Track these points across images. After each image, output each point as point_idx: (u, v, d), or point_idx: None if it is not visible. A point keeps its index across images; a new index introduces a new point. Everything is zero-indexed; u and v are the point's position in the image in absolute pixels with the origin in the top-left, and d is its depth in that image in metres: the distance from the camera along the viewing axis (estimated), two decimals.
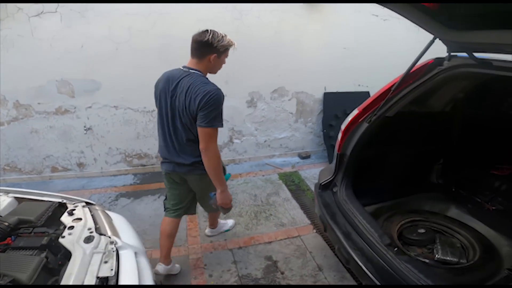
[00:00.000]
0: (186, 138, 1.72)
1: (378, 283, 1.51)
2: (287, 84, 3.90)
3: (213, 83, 1.64)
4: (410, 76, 1.87)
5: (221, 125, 1.65)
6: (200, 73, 1.66)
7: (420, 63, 1.83)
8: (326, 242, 2.55)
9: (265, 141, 4.14)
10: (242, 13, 3.42)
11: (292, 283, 2.20)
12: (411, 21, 1.55)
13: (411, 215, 2.24)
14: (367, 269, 1.59)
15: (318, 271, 2.30)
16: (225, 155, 4.01)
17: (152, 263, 1.73)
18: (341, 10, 3.70)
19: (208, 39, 1.59)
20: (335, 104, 4.00)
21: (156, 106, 1.80)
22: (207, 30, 1.61)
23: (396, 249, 1.63)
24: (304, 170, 3.88)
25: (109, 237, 1.28)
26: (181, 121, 1.68)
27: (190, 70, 1.66)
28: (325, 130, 4.05)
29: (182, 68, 1.70)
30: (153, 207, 3.07)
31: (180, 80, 1.64)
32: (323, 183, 2.19)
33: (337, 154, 2.12)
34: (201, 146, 1.63)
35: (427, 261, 1.90)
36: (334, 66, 3.90)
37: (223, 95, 1.65)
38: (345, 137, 2.07)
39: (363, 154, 2.10)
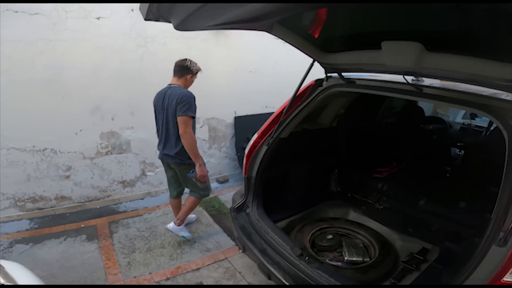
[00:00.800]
0: (173, 132, 2.44)
1: None
2: (198, 111, 3.92)
3: (187, 90, 2.44)
4: (297, 98, 2.13)
5: (194, 116, 2.38)
6: (179, 86, 2.48)
7: (305, 85, 2.12)
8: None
9: None
10: (147, 40, 3.35)
11: None
12: (293, 46, 1.77)
13: (319, 224, 2.44)
14: (285, 280, 1.68)
15: None
16: (139, 189, 3.73)
17: None
18: (246, 34, 3.81)
19: (187, 64, 2.48)
20: (246, 127, 4.11)
21: (155, 117, 2.63)
22: (186, 59, 2.49)
23: (307, 258, 1.76)
24: (223, 194, 3.89)
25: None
26: (170, 119, 2.41)
27: (172, 85, 2.49)
28: (239, 154, 4.16)
29: (168, 85, 2.51)
30: (60, 250, 2.71)
31: (166, 92, 2.45)
32: (236, 206, 2.26)
33: (244, 177, 2.23)
34: (180, 131, 2.35)
35: (339, 264, 2.07)
36: (242, 89, 4.08)
37: (194, 96, 2.41)
38: (249, 161, 2.21)
39: (267, 174, 2.26)
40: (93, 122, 3.24)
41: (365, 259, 2.07)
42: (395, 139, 3.11)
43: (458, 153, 3.21)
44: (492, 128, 3.05)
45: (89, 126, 3.22)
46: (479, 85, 1.45)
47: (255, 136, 2.22)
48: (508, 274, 1.08)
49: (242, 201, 2.27)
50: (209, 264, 2.61)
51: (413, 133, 3.19)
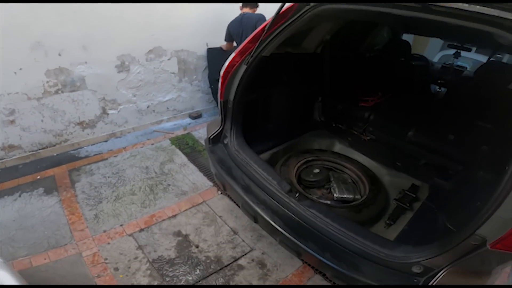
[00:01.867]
0: None
1: (290, 236, 1.46)
2: (164, 43, 3.40)
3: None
4: (281, 16, 1.75)
5: None
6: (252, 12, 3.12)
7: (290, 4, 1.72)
8: (234, 202, 2.42)
9: (148, 107, 3.60)
10: None
11: (209, 255, 2.04)
12: None
13: (304, 156, 2.28)
14: (275, 223, 1.51)
15: (233, 235, 2.19)
16: (101, 130, 3.34)
17: (34, 271, 1.78)
18: None
19: None
20: (219, 59, 3.63)
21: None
22: None
23: (297, 195, 1.59)
24: (197, 131, 3.61)
25: None
26: None
27: (246, 13, 3.13)
28: (212, 86, 3.79)
29: (241, 13, 3.16)
30: (15, 208, 2.37)
31: (242, 18, 3.10)
32: (212, 137, 1.99)
33: (221, 102, 1.91)
34: None
35: (328, 202, 1.96)
36: (214, 20, 3.56)
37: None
38: (226, 83, 1.86)
39: (247, 98, 1.96)
40: (35, 59, 2.71)
41: (356, 197, 1.98)
42: (381, 70, 2.85)
43: (438, 90, 3.07)
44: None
45: (30, 63, 2.69)
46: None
47: (233, 55, 1.85)
48: None
49: (219, 130, 1.99)
50: (186, 210, 2.43)
51: (400, 66, 2.94)
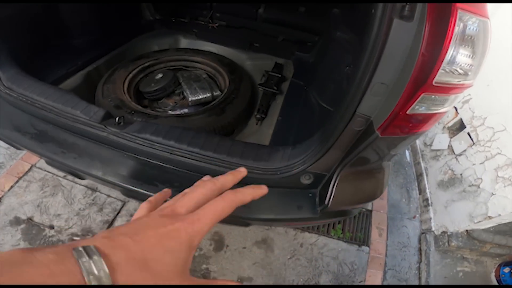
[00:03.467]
0: None
1: (137, 189, 0.97)
2: None
3: None
4: None
5: None
6: None
7: None
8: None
9: None
10: None
11: (74, 230, 1.58)
12: None
13: (138, 63, 1.60)
14: (104, 176, 0.99)
15: (93, 193, 1.71)
16: None
17: None
18: None
19: None
20: None
21: None
22: None
23: (118, 118, 0.99)
24: None
25: None
26: None
27: None
28: None
29: None
30: None
31: None
32: None
33: None
34: None
35: (185, 111, 1.45)
36: None
37: None
38: None
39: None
40: None
41: (215, 93, 1.51)
42: None
43: None
44: None
45: None
46: None
47: None
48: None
49: None
50: (12, 187, 1.70)
51: None
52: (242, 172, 0.44)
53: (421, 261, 1.70)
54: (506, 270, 1.60)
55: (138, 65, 1.59)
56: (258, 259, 1.59)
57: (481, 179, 1.58)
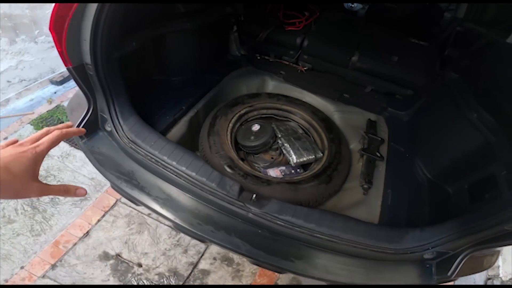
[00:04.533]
0: None
1: (273, 263, 1.03)
2: None
3: None
4: None
5: None
6: None
7: None
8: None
9: None
10: None
11: (161, 270, 1.63)
12: None
13: (235, 109, 1.64)
14: (239, 250, 1.03)
15: (178, 235, 1.74)
16: None
17: None
18: None
19: None
20: None
21: None
22: None
23: (254, 196, 1.05)
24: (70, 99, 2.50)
25: None
26: None
27: None
28: None
29: None
30: None
31: None
32: (82, 125, 1.16)
33: (69, 69, 1.02)
34: None
35: (283, 169, 1.47)
36: None
37: None
38: (65, 36, 0.93)
39: (120, 51, 1.18)
40: None
41: (318, 155, 1.49)
42: None
43: (351, 6, 2.63)
44: None
45: None
46: None
47: None
48: None
49: (89, 114, 1.16)
50: (99, 220, 1.77)
51: None
52: (69, 124, 0.68)
53: None
54: None
55: (235, 112, 1.63)
56: None
57: None
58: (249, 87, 1.91)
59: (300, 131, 1.68)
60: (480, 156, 1.13)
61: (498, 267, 1.85)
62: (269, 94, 1.81)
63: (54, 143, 0.58)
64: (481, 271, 1.10)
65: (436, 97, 1.57)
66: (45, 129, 0.61)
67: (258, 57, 2.05)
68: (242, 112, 1.67)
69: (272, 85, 1.94)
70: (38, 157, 0.55)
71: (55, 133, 0.59)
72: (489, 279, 1.84)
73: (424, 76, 1.69)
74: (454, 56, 1.79)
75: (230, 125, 1.58)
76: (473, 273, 1.09)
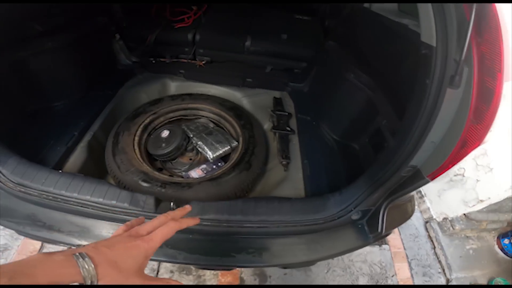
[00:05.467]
0: None
1: (206, 262, 1.03)
2: None
3: None
4: None
5: None
6: None
7: None
8: None
9: None
10: None
11: None
12: None
13: (137, 121, 1.52)
14: (176, 259, 1.01)
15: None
16: None
17: None
18: None
19: None
20: None
21: None
22: None
23: (172, 203, 1.01)
24: None
25: None
26: None
27: None
28: None
29: None
30: None
31: None
32: None
33: None
34: None
35: (203, 167, 1.43)
36: None
37: None
38: None
39: None
40: None
41: (232, 144, 1.49)
42: None
43: None
44: None
45: None
46: None
47: None
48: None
49: None
50: None
51: None
52: (187, 209, 0.68)
53: (435, 247, 1.95)
54: (506, 241, 1.92)
55: (139, 124, 1.52)
56: (301, 280, 1.70)
57: (464, 168, 1.84)
58: (150, 94, 1.79)
59: (212, 125, 1.65)
60: (367, 111, 1.26)
61: (428, 209, 2.06)
62: (172, 96, 1.72)
63: (167, 238, 0.55)
64: (409, 217, 1.20)
65: (324, 65, 1.71)
66: (162, 217, 0.58)
67: (153, 61, 1.93)
68: (147, 121, 1.56)
69: (174, 87, 1.86)
70: (149, 253, 0.51)
71: (172, 226, 0.56)
72: (426, 222, 2.05)
73: (311, 48, 1.82)
74: (332, 26, 1.98)
75: (136, 138, 1.46)
76: (402, 223, 1.19)
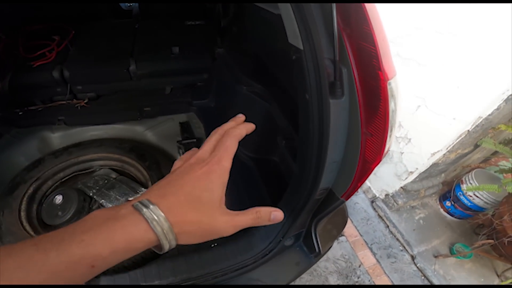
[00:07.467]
0: None
1: None
2: None
3: None
4: None
5: None
6: None
7: None
8: None
9: None
10: None
11: None
12: None
13: (17, 195, 1.22)
14: None
15: None
16: None
17: None
18: None
19: None
20: None
21: None
22: None
23: None
24: None
25: None
26: None
27: None
28: None
29: None
30: None
31: None
32: None
33: None
34: None
35: None
36: None
37: None
38: None
39: None
40: None
41: (139, 192, 1.26)
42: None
43: (129, 5, 2.33)
44: None
45: None
46: None
47: None
48: None
49: None
50: None
51: None
52: (241, 117, 0.51)
53: (388, 226, 1.93)
54: (448, 203, 1.96)
55: (21, 197, 1.22)
56: None
57: None
58: (28, 155, 1.45)
59: (114, 174, 1.39)
60: (268, 125, 1.13)
61: (369, 188, 2.06)
62: (55, 153, 1.41)
63: (234, 151, 0.40)
64: (345, 224, 1.13)
65: (220, 75, 1.54)
66: (218, 130, 0.44)
67: (20, 112, 1.56)
68: (30, 192, 1.26)
69: (57, 138, 1.52)
70: (225, 177, 0.37)
71: (234, 135, 0.42)
72: (372, 202, 2.03)
73: (207, 57, 1.63)
74: (226, 26, 1.80)
75: (23, 213, 1.18)
76: (338, 236, 1.12)
